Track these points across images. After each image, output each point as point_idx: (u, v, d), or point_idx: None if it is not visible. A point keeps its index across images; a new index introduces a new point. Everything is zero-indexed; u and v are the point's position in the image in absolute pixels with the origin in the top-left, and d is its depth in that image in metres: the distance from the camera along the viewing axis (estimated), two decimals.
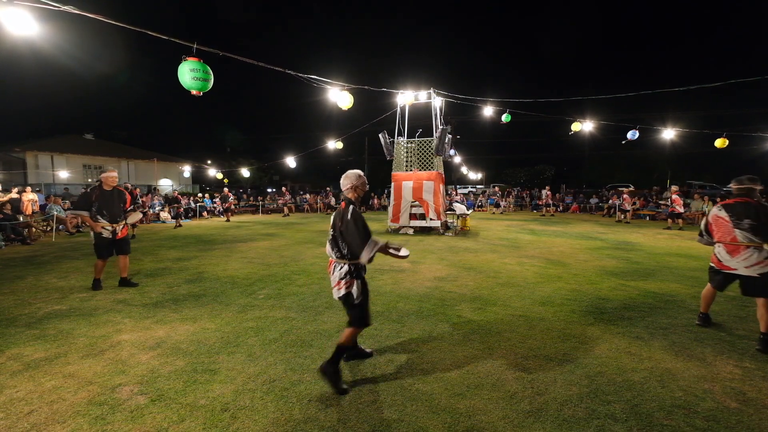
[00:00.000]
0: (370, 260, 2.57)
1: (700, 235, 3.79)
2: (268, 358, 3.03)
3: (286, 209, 19.22)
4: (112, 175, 5.14)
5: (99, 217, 4.97)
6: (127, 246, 5.29)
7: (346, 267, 2.66)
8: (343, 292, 2.66)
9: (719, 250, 3.53)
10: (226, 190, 18.69)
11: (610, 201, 18.45)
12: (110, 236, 5.03)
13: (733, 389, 2.57)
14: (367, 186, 2.84)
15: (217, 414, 2.30)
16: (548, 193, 20.34)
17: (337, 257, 2.70)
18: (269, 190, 23.81)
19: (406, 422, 2.22)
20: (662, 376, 2.74)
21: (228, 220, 15.86)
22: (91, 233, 5.07)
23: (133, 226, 9.84)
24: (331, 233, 2.72)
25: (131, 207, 5.46)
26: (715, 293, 3.64)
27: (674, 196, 12.77)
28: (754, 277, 3.28)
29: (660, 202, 16.36)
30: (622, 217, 15.88)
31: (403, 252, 2.81)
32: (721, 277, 3.53)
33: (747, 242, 3.30)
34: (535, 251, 7.98)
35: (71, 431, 2.15)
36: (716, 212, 3.55)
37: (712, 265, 3.63)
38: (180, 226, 13.53)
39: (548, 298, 4.64)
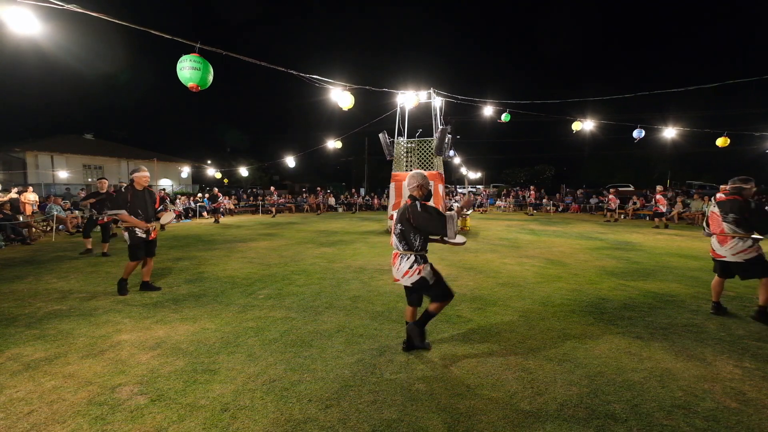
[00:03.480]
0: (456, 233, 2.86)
1: (704, 228, 4.36)
2: (268, 358, 3.03)
3: (273, 209, 19.34)
4: (144, 175, 4.95)
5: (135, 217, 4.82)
6: (155, 248, 5.15)
7: (413, 257, 2.97)
8: (416, 277, 2.96)
9: (713, 240, 4.09)
10: (215, 190, 18.87)
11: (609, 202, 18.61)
12: (145, 236, 4.88)
13: (733, 389, 2.57)
14: (430, 184, 3.16)
15: (217, 414, 2.30)
16: (532, 193, 21.49)
17: (404, 249, 3.00)
18: (261, 190, 24.44)
19: (406, 422, 2.22)
20: (662, 376, 2.74)
21: (217, 221, 15.47)
22: (125, 234, 4.85)
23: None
24: (399, 228, 3.00)
25: (161, 207, 5.32)
26: (723, 282, 4.07)
27: (658, 196, 12.94)
28: (740, 263, 3.83)
29: (649, 204, 16.54)
30: (619, 216, 15.95)
31: (460, 239, 3.05)
32: (717, 265, 4.09)
33: (732, 233, 3.88)
34: (535, 251, 7.98)
35: (71, 431, 2.15)
36: (711, 208, 4.16)
37: (711, 254, 4.16)
38: (162, 229, 11.99)
39: (548, 298, 4.64)
